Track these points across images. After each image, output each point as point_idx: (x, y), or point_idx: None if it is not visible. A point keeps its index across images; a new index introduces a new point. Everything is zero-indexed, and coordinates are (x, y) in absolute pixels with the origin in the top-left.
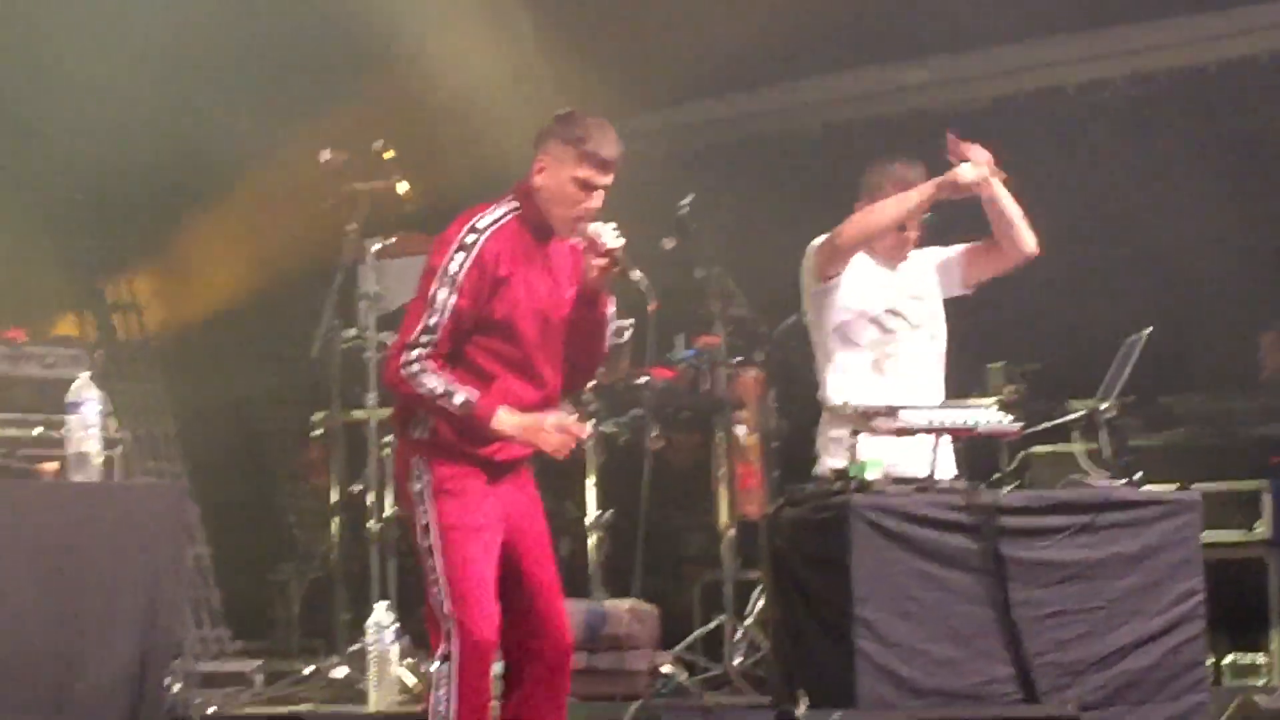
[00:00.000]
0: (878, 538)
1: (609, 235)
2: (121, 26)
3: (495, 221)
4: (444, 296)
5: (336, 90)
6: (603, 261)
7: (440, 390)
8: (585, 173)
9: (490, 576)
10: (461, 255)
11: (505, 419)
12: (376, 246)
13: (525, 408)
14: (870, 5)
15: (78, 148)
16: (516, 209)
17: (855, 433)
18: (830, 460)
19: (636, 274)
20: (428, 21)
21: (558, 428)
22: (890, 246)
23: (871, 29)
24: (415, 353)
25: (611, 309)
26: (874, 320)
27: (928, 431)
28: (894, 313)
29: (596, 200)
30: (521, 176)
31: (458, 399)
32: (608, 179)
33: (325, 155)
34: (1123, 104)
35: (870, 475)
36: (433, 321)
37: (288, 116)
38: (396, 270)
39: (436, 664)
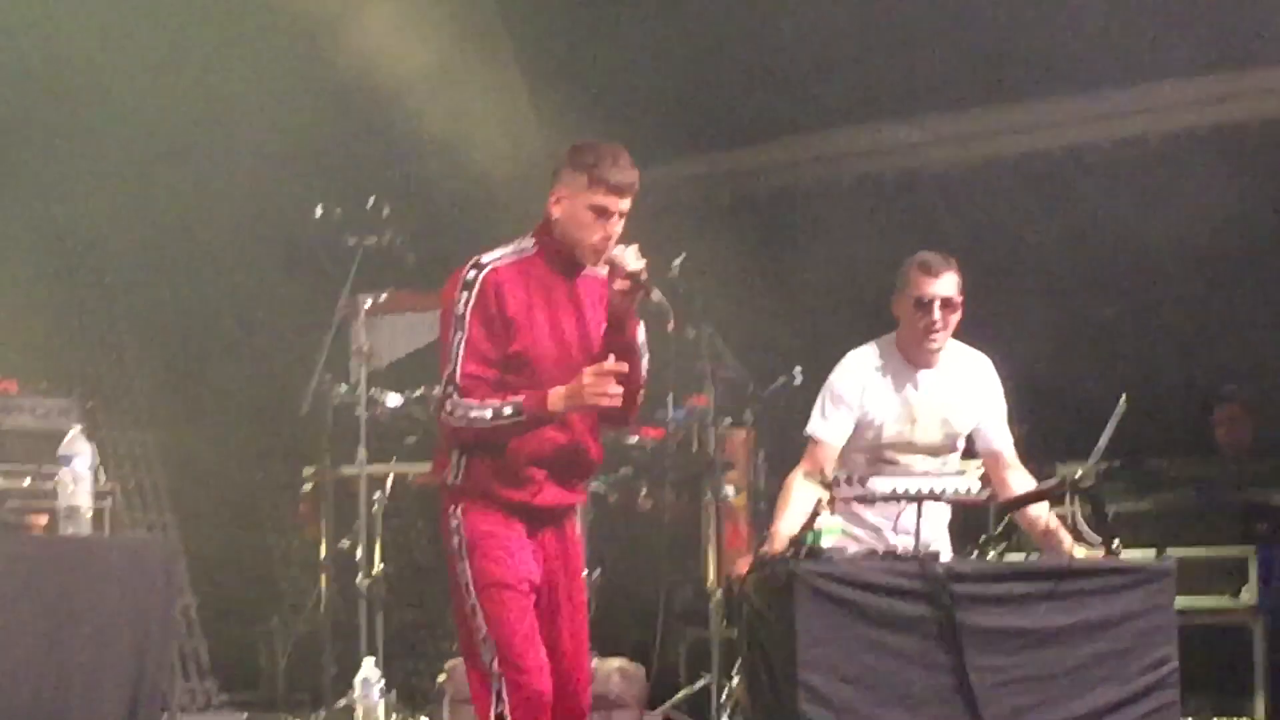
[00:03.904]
0: (824, 603)
1: (630, 258)
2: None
3: (501, 258)
4: (457, 339)
5: (334, 150)
6: (625, 284)
7: (490, 414)
8: (599, 199)
9: (535, 630)
10: (465, 293)
11: (557, 398)
12: (369, 302)
13: (555, 448)
14: (861, 64)
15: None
16: (533, 247)
17: (820, 501)
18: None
19: (656, 295)
20: (424, 82)
21: (594, 374)
22: (915, 349)
23: (862, 88)
24: (449, 403)
25: (641, 335)
26: (868, 449)
27: (891, 499)
28: (895, 444)
29: (614, 227)
30: (521, 229)
31: (508, 410)
32: (624, 204)
33: (319, 210)
34: (1110, 168)
35: (825, 542)
36: (452, 369)
37: (285, 174)
38: (389, 326)
39: None
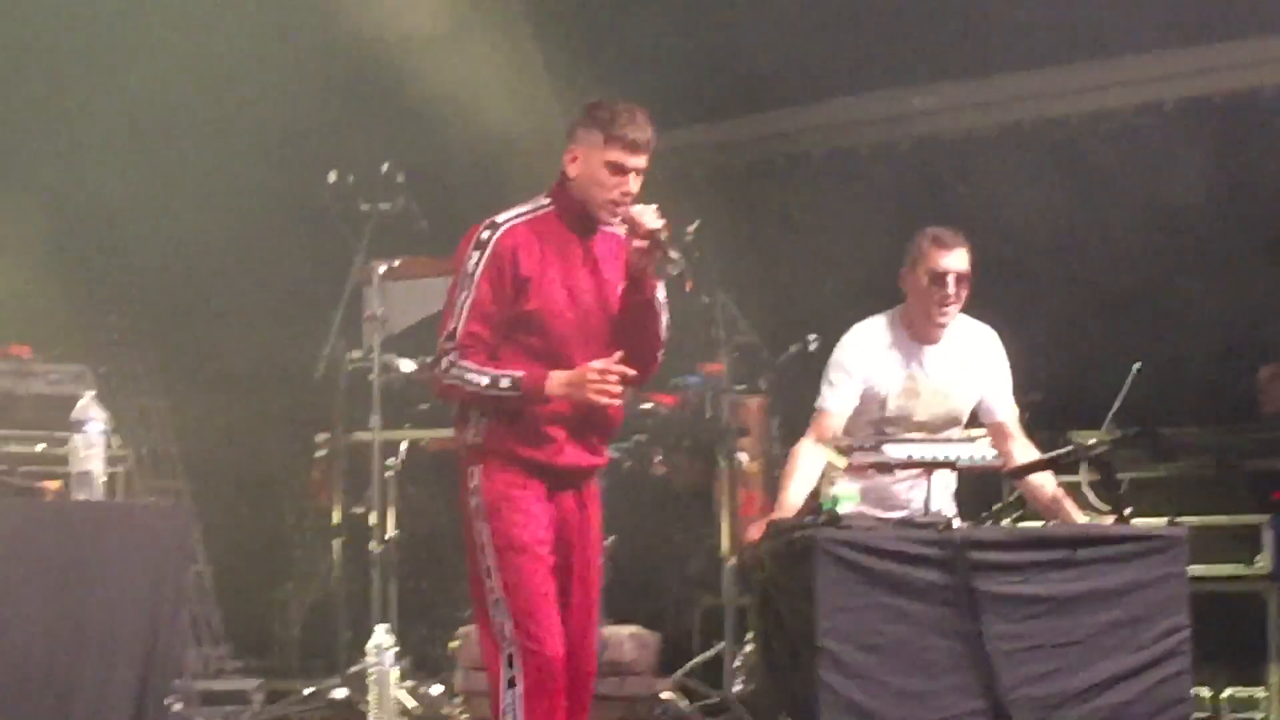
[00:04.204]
0: (844, 571)
1: (649, 216)
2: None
3: (517, 216)
4: (463, 298)
5: (346, 115)
6: (644, 243)
7: (486, 381)
8: (615, 155)
9: (552, 593)
10: (477, 253)
11: (556, 381)
12: (383, 268)
13: (566, 408)
14: (878, 30)
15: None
16: (548, 205)
17: (831, 467)
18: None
19: (674, 254)
20: (437, 46)
21: (599, 371)
22: (922, 323)
23: (879, 54)
24: (446, 359)
25: (661, 294)
26: (871, 422)
27: (906, 466)
28: (897, 419)
29: (631, 184)
30: (536, 194)
31: (504, 382)
32: (640, 161)
33: (332, 176)
34: (1127, 135)
35: (843, 509)
36: (454, 326)
37: (297, 140)
38: (402, 292)
39: (501, 690)
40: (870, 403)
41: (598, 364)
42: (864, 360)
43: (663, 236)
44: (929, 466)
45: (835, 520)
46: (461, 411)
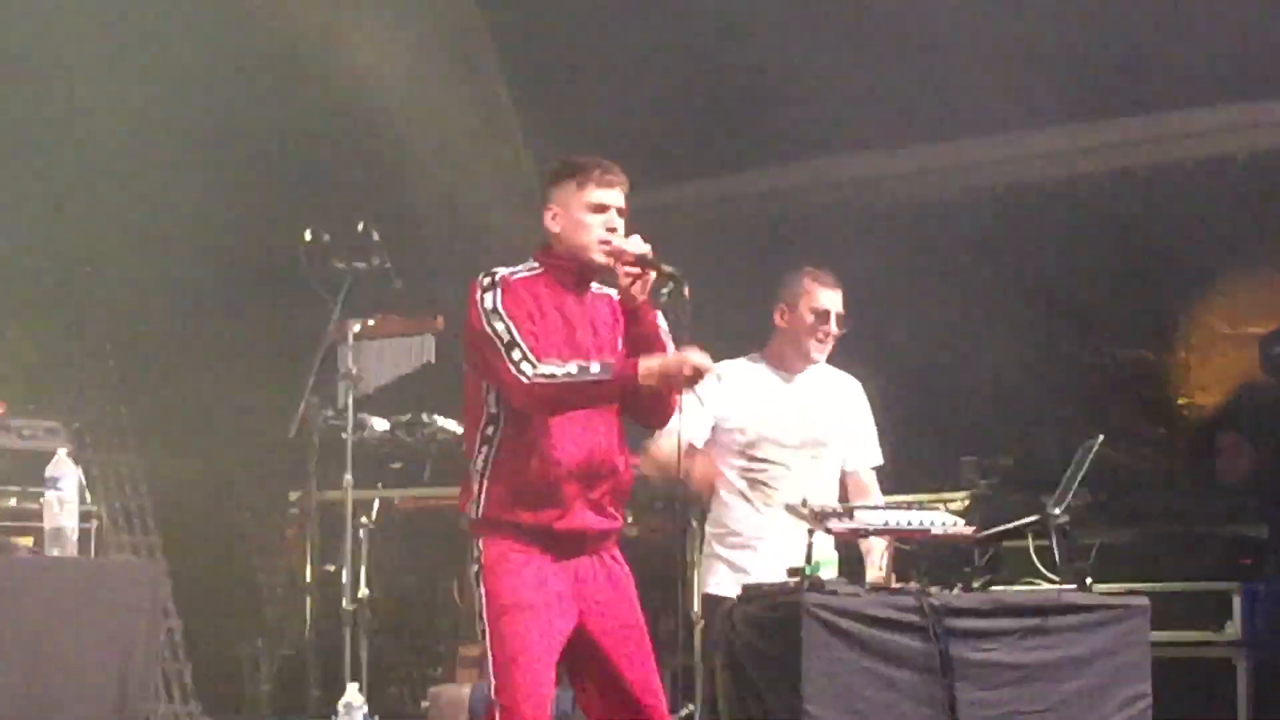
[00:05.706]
0: (828, 636)
1: (634, 243)
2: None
3: (511, 272)
4: (503, 327)
5: (320, 172)
6: (634, 270)
7: (575, 369)
8: (594, 196)
9: (545, 657)
10: (491, 294)
11: (647, 363)
12: (357, 327)
13: (580, 464)
14: (851, 94)
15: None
16: (538, 268)
17: (811, 533)
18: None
19: (667, 268)
20: (412, 105)
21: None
22: (792, 357)
23: (831, 120)
24: (524, 365)
25: (661, 322)
26: (741, 450)
27: (882, 533)
28: (763, 440)
29: (615, 220)
30: (508, 256)
31: (595, 368)
32: (619, 198)
33: (308, 234)
34: (1104, 197)
35: (824, 574)
36: (510, 339)
37: (271, 197)
38: (376, 351)
39: None
40: (734, 432)
41: (697, 354)
42: (719, 389)
43: (650, 258)
44: (902, 534)
45: (819, 585)
46: (465, 484)
